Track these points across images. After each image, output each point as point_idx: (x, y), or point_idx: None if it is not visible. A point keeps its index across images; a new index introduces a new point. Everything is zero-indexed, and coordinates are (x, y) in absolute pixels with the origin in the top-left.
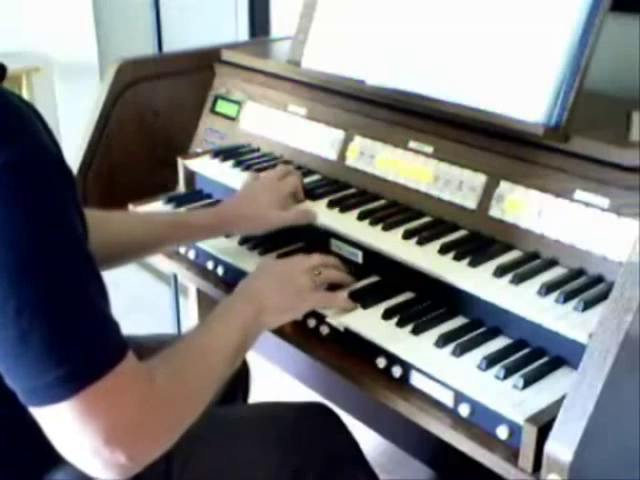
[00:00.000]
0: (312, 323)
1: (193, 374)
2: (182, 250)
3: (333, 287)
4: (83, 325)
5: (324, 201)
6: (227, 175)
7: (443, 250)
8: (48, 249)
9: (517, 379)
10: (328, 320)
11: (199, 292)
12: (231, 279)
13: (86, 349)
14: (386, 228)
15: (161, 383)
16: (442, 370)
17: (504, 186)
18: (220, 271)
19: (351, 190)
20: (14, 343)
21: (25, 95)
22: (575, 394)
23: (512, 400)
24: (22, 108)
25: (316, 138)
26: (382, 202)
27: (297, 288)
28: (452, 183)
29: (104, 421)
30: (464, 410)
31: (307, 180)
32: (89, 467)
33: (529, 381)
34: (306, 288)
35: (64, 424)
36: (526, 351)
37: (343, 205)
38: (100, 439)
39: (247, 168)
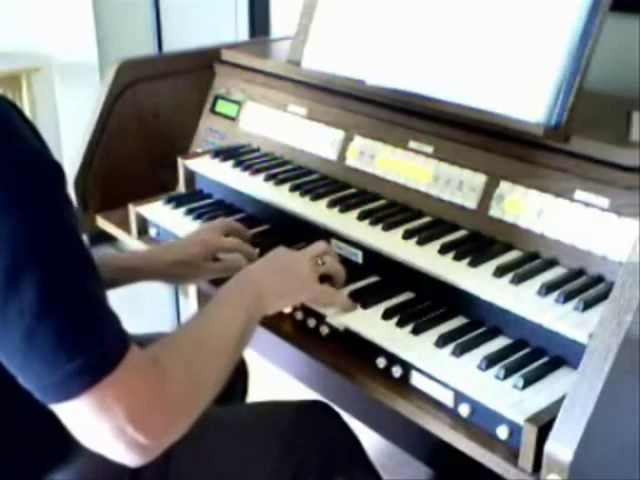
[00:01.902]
0: (312, 323)
1: (199, 356)
2: None
3: (324, 279)
4: (89, 318)
5: (324, 201)
6: (227, 175)
7: (443, 250)
8: (44, 246)
9: (517, 379)
10: (328, 320)
11: (199, 292)
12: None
13: (95, 342)
14: (386, 228)
15: (169, 367)
16: (442, 370)
17: (504, 186)
18: None
19: (351, 190)
20: (20, 343)
21: (25, 95)
22: (575, 394)
23: (512, 400)
24: (6, 109)
25: (316, 138)
26: (382, 202)
27: (298, 275)
28: (452, 183)
29: (122, 407)
30: (464, 410)
31: (307, 180)
32: (113, 452)
33: (529, 381)
34: (307, 276)
35: (84, 415)
36: (526, 351)
37: (343, 205)
38: (120, 424)
39: (247, 168)
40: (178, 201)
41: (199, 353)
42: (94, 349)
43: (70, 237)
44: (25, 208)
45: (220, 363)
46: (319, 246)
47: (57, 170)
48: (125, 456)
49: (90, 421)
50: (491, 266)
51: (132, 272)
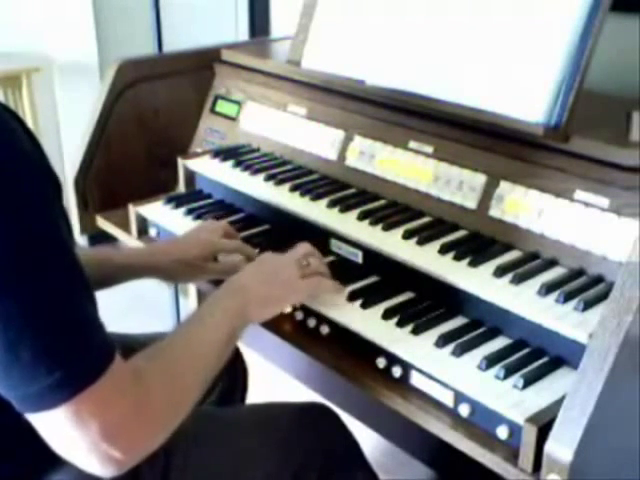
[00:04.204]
0: (312, 323)
1: (181, 368)
2: None
3: None
4: (72, 332)
5: (324, 201)
6: (227, 175)
7: (443, 250)
8: (32, 257)
9: (517, 379)
10: (323, 313)
11: (199, 292)
12: None
13: (76, 355)
14: (386, 228)
15: (149, 380)
16: (442, 370)
17: (504, 186)
18: None
19: (351, 190)
20: (3, 354)
21: (25, 95)
22: (575, 394)
23: (512, 400)
24: (6, 118)
25: (316, 138)
26: (382, 202)
27: (285, 279)
28: (452, 183)
29: (98, 422)
30: (464, 410)
31: (307, 180)
32: (87, 465)
33: (529, 381)
34: (294, 278)
35: (60, 427)
36: (526, 351)
37: (343, 205)
38: (95, 439)
39: (247, 168)
40: (178, 201)
41: (183, 366)
42: (75, 363)
43: (59, 249)
44: (17, 220)
45: (202, 375)
46: (302, 247)
47: (54, 182)
48: (99, 469)
49: (65, 433)
50: (491, 266)
51: (131, 269)
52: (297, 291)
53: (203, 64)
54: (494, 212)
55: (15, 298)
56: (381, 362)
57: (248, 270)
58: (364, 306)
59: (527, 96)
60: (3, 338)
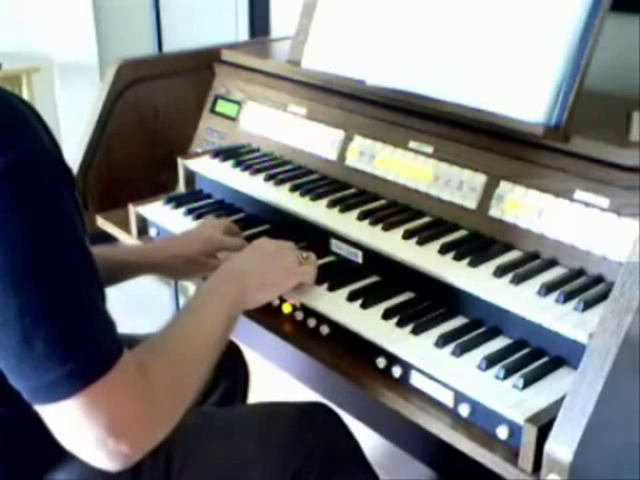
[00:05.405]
0: (312, 323)
1: (183, 360)
2: None
3: None
4: (85, 324)
5: (324, 201)
6: (227, 175)
7: (443, 250)
8: (48, 250)
9: (517, 379)
10: (323, 313)
11: None
12: None
13: (89, 348)
14: (386, 228)
15: (155, 373)
16: (442, 370)
17: (504, 186)
18: None
19: (351, 190)
20: (17, 344)
21: (25, 95)
22: (575, 394)
23: (512, 400)
24: (22, 109)
25: (316, 138)
26: (382, 202)
27: (283, 264)
28: (452, 183)
29: (107, 415)
30: (464, 410)
31: (307, 180)
32: (93, 459)
33: (529, 381)
34: (293, 265)
35: (69, 420)
36: (526, 351)
37: (343, 205)
38: (104, 432)
39: (247, 168)
40: (178, 201)
41: (184, 358)
42: (87, 355)
43: (74, 244)
44: (33, 211)
45: (202, 365)
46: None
47: (68, 174)
48: (105, 462)
49: (73, 426)
50: (491, 266)
51: (133, 267)
52: (296, 277)
53: (203, 64)
54: (494, 212)
55: (33, 290)
56: (381, 362)
57: (243, 255)
58: (364, 306)
59: (527, 96)
60: (18, 328)
